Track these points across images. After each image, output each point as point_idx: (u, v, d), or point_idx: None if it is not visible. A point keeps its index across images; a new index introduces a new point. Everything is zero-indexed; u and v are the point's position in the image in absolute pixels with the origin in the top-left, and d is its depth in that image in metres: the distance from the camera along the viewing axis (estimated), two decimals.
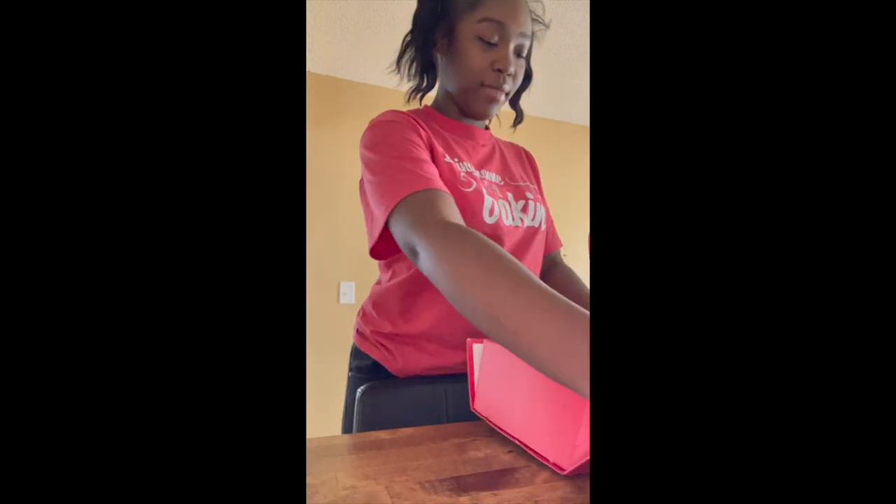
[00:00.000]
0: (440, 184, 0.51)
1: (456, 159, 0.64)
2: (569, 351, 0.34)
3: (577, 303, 0.68)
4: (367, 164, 0.57)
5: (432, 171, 0.53)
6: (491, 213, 0.63)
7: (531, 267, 0.73)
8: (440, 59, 0.68)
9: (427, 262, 0.45)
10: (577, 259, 2.73)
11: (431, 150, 0.60)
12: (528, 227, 0.71)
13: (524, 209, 0.71)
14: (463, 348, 0.68)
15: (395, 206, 0.50)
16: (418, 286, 0.67)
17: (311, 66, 2.26)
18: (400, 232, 0.50)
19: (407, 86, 0.70)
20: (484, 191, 0.64)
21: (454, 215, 0.49)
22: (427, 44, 0.67)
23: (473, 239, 0.44)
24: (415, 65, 0.69)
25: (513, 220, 0.68)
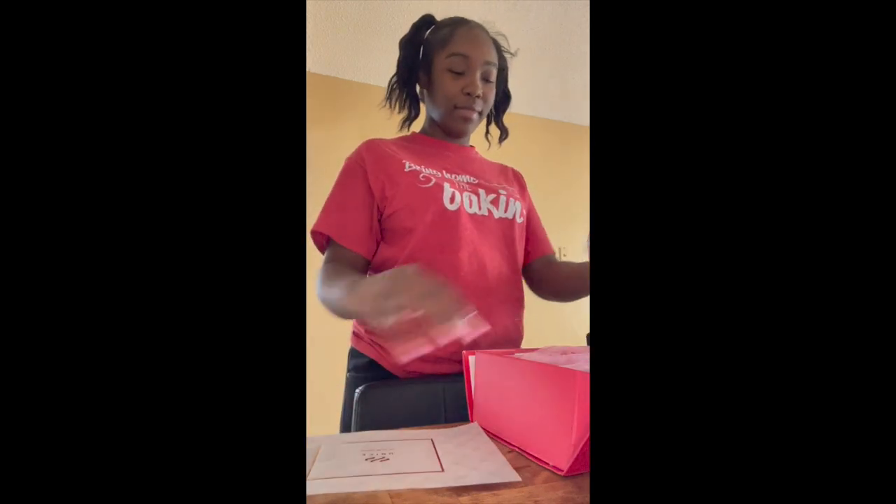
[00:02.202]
0: (350, 235, 0.72)
1: (423, 166, 0.76)
2: (345, 300, 0.58)
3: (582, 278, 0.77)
4: (337, 179, 0.77)
5: (348, 214, 0.72)
6: (452, 200, 0.73)
7: (507, 252, 0.78)
8: (424, 93, 0.82)
9: (318, 291, 0.69)
10: (577, 259, 2.73)
11: (390, 172, 0.74)
12: (500, 218, 0.78)
13: (494, 202, 0.79)
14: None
15: (328, 239, 0.74)
16: None
17: (311, 66, 2.26)
18: (324, 259, 0.73)
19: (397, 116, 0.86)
20: (446, 185, 0.74)
21: (335, 256, 0.72)
22: (410, 81, 0.82)
23: (326, 270, 0.69)
24: (401, 100, 0.84)
25: (479, 209, 0.77)
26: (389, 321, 0.49)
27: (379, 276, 0.56)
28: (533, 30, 2.00)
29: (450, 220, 0.72)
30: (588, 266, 0.79)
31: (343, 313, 0.62)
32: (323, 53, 2.16)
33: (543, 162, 2.70)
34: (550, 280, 0.84)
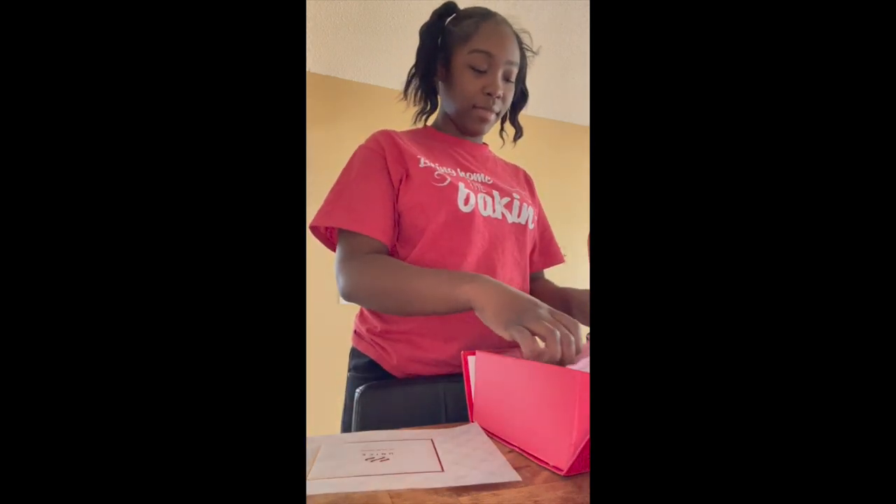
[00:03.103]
0: (369, 224, 0.67)
1: (437, 164, 0.73)
2: (450, 284, 0.57)
3: (569, 302, 0.75)
4: (344, 169, 0.73)
5: (374, 205, 0.68)
6: (466, 202, 0.70)
7: (519, 258, 0.76)
8: (440, 86, 0.78)
9: (340, 288, 0.67)
10: (577, 259, 2.73)
11: (407, 165, 0.71)
12: (514, 223, 0.76)
13: (508, 205, 0.76)
14: (453, 339, 0.70)
15: (339, 232, 0.70)
16: None
17: (311, 66, 2.26)
18: (336, 255, 0.70)
19: (412, 107, 0.83)
20: (461, 185, 0.71)
21: (364, 250, 0.67)
22: (428, 73, 0.77)
23: (367, 259, 0.65)
24: (419, 92, 0.79)
25: (493, 211, 0.74)
26: (513, 333, 0.49)
27: (502, 285, 0.55)
28: (533, 30, 2.00)
29: (462, 223, 0.69)
30: (566, 292, 0.78)
31: (422, 300, 0.59)
32: (323, 53, 2.16)
33: (543, 162, 2.70)
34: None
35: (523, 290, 0.77)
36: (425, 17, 0.79)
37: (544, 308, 0.51)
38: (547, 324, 0.48)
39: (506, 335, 0.50)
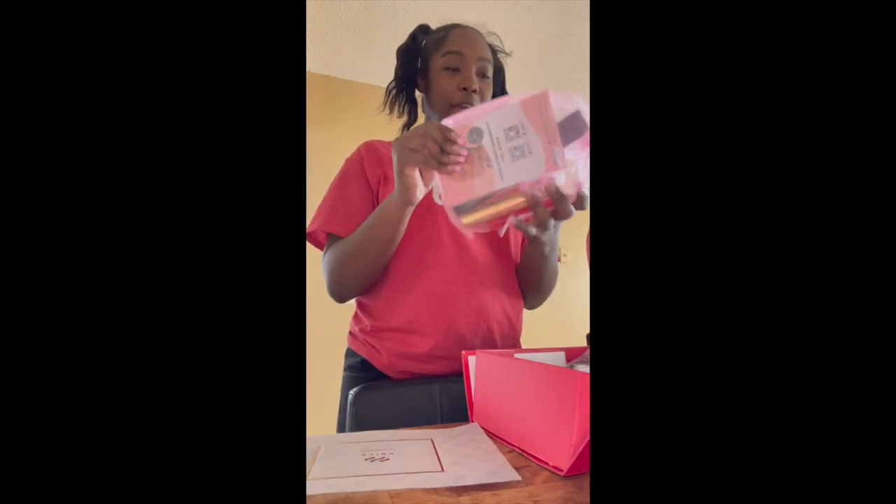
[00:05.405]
0: (341, 224, 0.75)
1: None
2: (381, 211, 0.66)
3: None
4: (335, 178, 0.81)
5: (349, 209, 0.76)
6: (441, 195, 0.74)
7: (498, 246, 0.79)
8: (422, 98, 0.85)
9: (327, 287, 0.75)
10: (577, 259, 2.73)
11: (385, 168, 0.78)
12: None
13: None
14: (440, 333, 0.71)
15: (327, 236, 0.77)
16: (396, 284, 0.73)
17: (311, 66, 2.26)
18: (324, 253, 0.77)
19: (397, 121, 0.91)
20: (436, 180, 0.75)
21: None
22: (408, 86, 0.85)
23: (331, 248, 0.73)
24: (400, 104, 0.87)
25: None
26: (416, 156, 0.56)
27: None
28: (533, 29, 2.01)
29: (439, 215, 0.73)
30: (528, 264, 0.81)
31: (378, 238, 0.67)
32: (323, 53, 2.16)
33: None
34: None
35: (506, 275, 0.80)
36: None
37: (399, 147, 0.58)
38: (417, 149, 0.55)
39: (416, 178, 0.59)
